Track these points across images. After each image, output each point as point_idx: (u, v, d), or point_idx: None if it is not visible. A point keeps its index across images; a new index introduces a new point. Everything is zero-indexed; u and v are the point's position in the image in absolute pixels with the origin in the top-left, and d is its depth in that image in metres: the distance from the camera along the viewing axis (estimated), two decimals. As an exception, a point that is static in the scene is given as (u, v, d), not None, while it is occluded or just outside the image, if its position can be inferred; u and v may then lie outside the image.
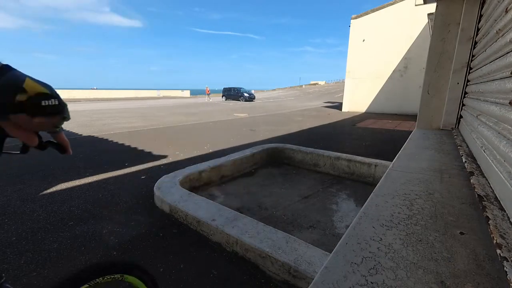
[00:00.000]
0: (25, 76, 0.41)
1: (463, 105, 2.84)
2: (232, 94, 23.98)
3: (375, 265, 0.79)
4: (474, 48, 2.67)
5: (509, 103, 1.15)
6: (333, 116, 10.51)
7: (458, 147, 2.13)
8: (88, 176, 3.18)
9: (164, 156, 4.16)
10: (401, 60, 11.40)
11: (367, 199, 1.27)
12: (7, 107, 0.38)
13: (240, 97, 22.87)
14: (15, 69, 0.41)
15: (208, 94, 25.56)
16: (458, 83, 2.90)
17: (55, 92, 0.43)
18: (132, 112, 11.00)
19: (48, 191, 2.74)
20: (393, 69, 11.66)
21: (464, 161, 1.73)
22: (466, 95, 2.77)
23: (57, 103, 0.42)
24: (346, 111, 12.88)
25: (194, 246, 1.83)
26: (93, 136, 5.63)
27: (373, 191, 1.36)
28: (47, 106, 0.41)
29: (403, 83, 11.45)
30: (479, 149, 1.63)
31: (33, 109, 0.40)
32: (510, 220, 0.94)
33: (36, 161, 3.76)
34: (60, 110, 0.43)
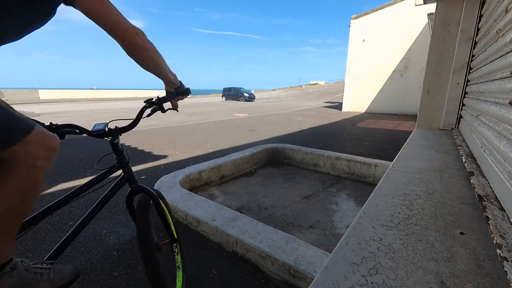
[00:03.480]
0: (181, 83, 1.06)
1: (463, 105, 2.84)
2: (232, 94, 23.97)
3: (375, 265, 0.79)
4: (474, 48, 2.68)
5: (509, 103, 1.15)
6: (333, 116, 10.51)
7: (458, 147, 2.13)
8: (88, 176, 3.18)
9: (164, 156, 4.16)
10: (401, 60, 11.40)
11: (367, 199, 1.27)
12: (176, 94, 1.04)
13: (240, 97, 22.86)
14: (181, 82, 1.06)
15: None
16: (458, 83, 2.91)
17: (188, 88, 1.10)
18: (132, 112, 11.00)
19: (48, 191, 2.74)
20: (393, 69, 11.65)
21: (464, 161, 1.73)
22: (466, 95, 2.77)
23: (190, 92, 1.10)
24: (346, 111, 12.89)
25: (194, 246, 1.83)
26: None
27: (373, 191, 1.36)
28: (188, 93, 1.10)
29: (403, 83, 11.45)
30: (479, 149, 1.63)
31: (184, 94, 1.08)
32: (510, 220, 0.94)
33: (36, 161, 3.76)
34: (189, 93, 1.10)
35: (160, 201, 1.24)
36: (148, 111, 1.04)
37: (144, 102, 1.02)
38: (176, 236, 1.33)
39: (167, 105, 1.07)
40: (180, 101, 1.12)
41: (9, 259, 0.75)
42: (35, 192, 0.76)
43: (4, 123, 0.67)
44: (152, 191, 1.14)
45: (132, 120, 1.03)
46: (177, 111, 1.10)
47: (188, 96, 1.12)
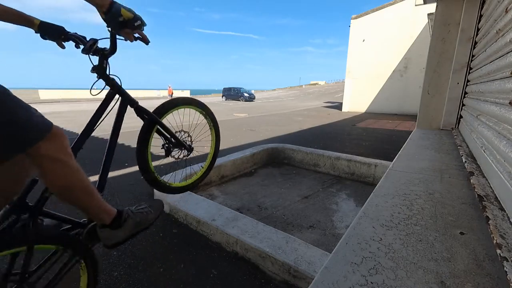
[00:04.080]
0: (120, 6, 0.82)
1: (463, 105, 2.84)
2: (232, 94, 23.97)
3: (375, 265, 0.79)
4: (474, 48, 2.67)
5: (509, 103, 1.15)
6: (333, 116, 10.51)
7: (458, 147, 2.13)
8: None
9: (164, 156, 4.16)
10: (401, 60, 11.39)
11: (367, 199, 1.27)
12: (116, 24, 0.85)
13: (240, 97, 22.86)
14: (116, 2, 0.81)
15: (171, 95, 21.13)
16: (458, 83, 2.90)
17: (137, 14, 0.88)
18: (132, 112, 11.00)
19: (48, 191, 2.74)
20: (393, 69, 11.65)
21: (464, 161, 1.73)
22: (466, 95, 2.77)
23: (139, 22, 0.89)
24: (346, 111, 12.88)
25: (194, 246, 1.83)
26: (93, 136, 5.59)
27: (373, 191, 1.36)
28: (136, 25, 0.88)
29: (403, 83, 11.45)
30: (479, 149, 1.63)
31: (130, 26, 0.87)
32: (510, 220, 0.94)
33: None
34: (141, 24, 0.90)
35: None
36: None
37: (107, 27, 0.91)
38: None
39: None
40: (137, 36, 0.95)
41: (118, 212, 0.99)
42: (77, 172, 0.86)
43: (29, 121, 0.73)
44: (154, 115, 1.26)
45: (110, 46, 0.99)
46: (146, 43, 0.98)
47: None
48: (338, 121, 9.02)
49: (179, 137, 1.45)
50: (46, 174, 0.78)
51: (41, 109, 0.79)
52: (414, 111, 7.43)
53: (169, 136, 1.39)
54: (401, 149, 2.25)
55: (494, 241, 0.82)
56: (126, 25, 0.86)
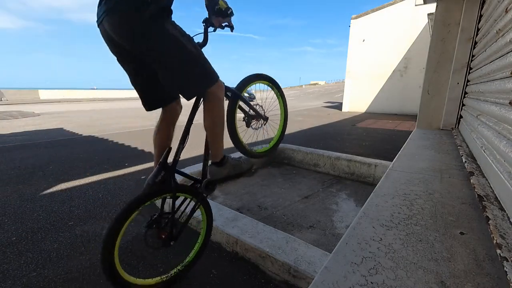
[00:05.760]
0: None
1: (463, 105, 2.84)
2: (232, 94, 23.95)
3: (375, 265, 0.79)
4: (474, 48, 2.68)
5: (509, 103, 1.15)
6: (333, 116, 10.51)
7: (458, 147, 2.13)
8: (88, 176, 3.18)
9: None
10: (401, 60, 11.38)
11: (367, 199, 1.27)
12: (213, 12, 1.13)
13: (240, 97, 22.85)
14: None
15: None
16: (458, 83, 2.91)
17: (229, 6, 1.15)
18: (132, 112, 11.00)
19: (48, 191, 2.74)
20: (393, 69, 11.64)
21: (464, 161, 1.73)
22: (466, 95, 2.77)
23: (231, 11, 1.16)
24: (346, 111, 12.88)
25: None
26: (93, 136, 5.62)
27: (373, 191, 1.36)
28: (228, 13, 1.16)
29: (403, 83, 11.44)
30: (479, 149, 1.63)
31: (222, 14, 1.15)
32: (510, 220, 0.94)
33: (36, 161, 3.76)
34: (231, 13, 1.16)
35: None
36: (211, 28, 1.21)
37: (202, 22, 1.19)
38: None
39: (218, 21, 1.18)
40: (226, 23, 1.21)
41: (224, 155, 1.29)
42: (223, 114, 1.21)
43: (210, 67, 1.07)
44: (236, 91, 1.44)
45: (203, 39, 1.21)
46: (232, 30, 1.24)
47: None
48: (338, 121, 9.02)
49: (256, 109, 1.67)
50: (213, 108, 1.11)
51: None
52: (414, 111, 7.41)
53: (247, 110, 1.62)
54: (401, 149, 2.25)
55: (494, 241, 0.82)
56: (219, 13, 1.11)
